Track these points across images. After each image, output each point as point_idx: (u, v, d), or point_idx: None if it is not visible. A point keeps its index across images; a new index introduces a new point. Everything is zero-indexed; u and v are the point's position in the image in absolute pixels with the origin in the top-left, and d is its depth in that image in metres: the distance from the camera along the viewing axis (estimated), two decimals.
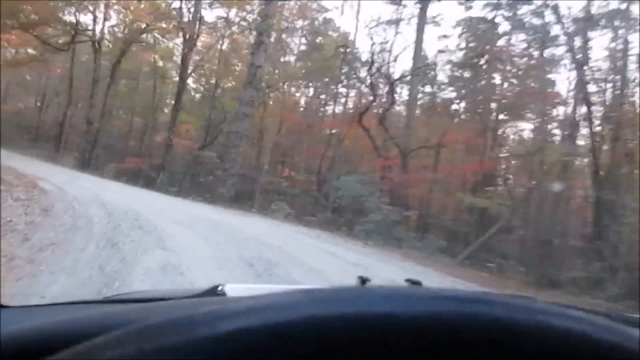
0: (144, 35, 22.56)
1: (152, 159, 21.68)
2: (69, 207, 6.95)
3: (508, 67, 20.07)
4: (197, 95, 27.08)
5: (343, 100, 25.38)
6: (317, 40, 25.07)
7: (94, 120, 21.73)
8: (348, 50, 19.79)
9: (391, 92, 17.84)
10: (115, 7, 22.07)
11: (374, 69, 17.08)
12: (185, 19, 20.42)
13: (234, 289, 0.75)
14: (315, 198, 19.72)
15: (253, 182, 20.62)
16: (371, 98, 17.43)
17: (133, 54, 24.96)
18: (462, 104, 22.49)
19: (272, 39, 19.88)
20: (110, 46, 24.18)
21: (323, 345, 0.26)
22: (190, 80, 26.68)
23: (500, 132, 20.06)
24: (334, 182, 15.02)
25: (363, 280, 0.65)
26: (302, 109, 26.24)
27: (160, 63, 25.60)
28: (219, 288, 0.77)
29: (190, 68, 20.73)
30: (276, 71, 23.71)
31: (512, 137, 21.81)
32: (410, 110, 22.04)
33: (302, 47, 26.04)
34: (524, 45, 18.63)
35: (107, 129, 27.69)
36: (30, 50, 22.41)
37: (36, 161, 17.78)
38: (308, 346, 0.26)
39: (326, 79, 24.12)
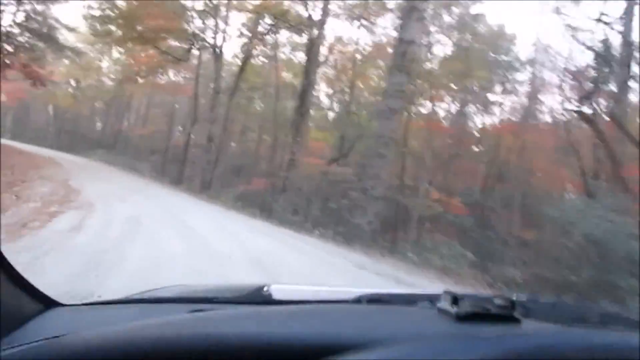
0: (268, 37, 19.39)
1: (276, 180, 17.98)
2: None
3: None
4: (331, 113, 23.81)
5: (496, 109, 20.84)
6: (467, 39, 20.00)
7: (215, 137, 18.87)
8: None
9: (627, 65, 11.06)
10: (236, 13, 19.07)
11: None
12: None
13: (280, 290, 0.73)
14: (494, 233, 13.53)
15: (399, 208, 15.30)
16: (594, 73, 10.86)
17: (259, 68, 22.46)
18: None
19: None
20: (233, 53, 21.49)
21: None
22: (322, 96, 23.47)
23: None
24: (547, 210, 8.82)
25: (455, 297, 0.59)
26: (446, 119, 21.39)
27: (287, 75, 22.51)
28: (265, 289, 0.74)
29: (321, 59, 16.54)
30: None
31: None
32: None
33: (448, 52, 20.90)
34: None
35: (237, 149, 25.35)
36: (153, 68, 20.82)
37: (149, 185, 15.17)
38: None
39: (476, 86, 19.67)
